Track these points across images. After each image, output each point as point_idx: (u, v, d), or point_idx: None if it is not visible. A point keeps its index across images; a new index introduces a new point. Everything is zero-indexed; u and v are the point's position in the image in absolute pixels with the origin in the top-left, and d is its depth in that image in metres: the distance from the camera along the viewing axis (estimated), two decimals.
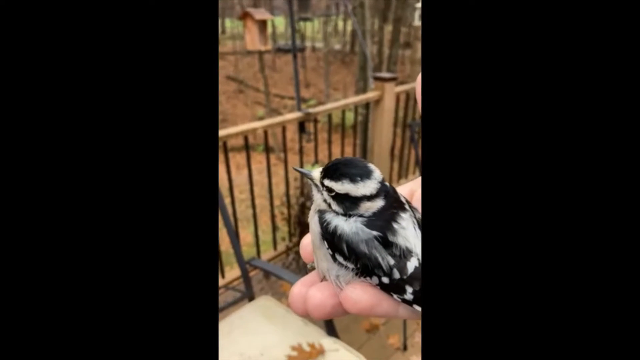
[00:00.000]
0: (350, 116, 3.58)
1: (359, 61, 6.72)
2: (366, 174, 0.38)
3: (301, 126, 2.51)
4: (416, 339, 2.41)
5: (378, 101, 2.99)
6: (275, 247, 2.89)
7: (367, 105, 3.12)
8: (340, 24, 9.74)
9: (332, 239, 0.37)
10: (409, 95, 3.37)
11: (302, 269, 2.80)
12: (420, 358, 2.27)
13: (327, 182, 0.38)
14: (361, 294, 0.36)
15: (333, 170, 0.39)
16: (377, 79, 2.99)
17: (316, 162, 2.82)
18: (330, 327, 1.73)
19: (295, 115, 2.44)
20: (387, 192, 0.38)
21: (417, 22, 4.20)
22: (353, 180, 0.37)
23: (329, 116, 2.81)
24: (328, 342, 1.62)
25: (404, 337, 2.35)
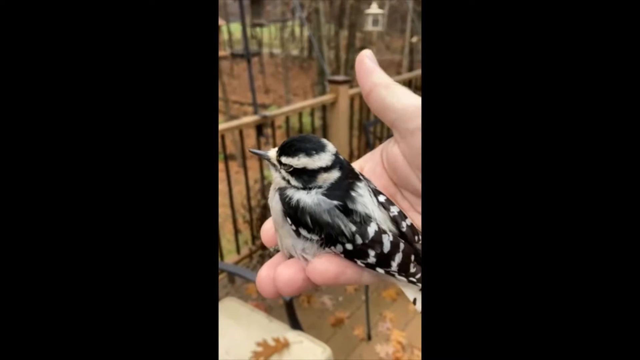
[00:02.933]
0: (307, 121, 3.66)
1: (317, 66, 6.84)
2: (320, 147, 0.40)
3: (259, 129, 2.55)
4: (379, 328, 2.51)
5: (333, 103, 3.09)
6: (238, 251, 2.89)
7: (324, 108, 3.21)
8: (297, 30, 9.85)
9: (295, 213, 0.38)
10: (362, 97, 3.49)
11: None
12: (383, 346, 2.36)
13: (284, 159, 0.40)
14: (327, 264, 0.38)
15: (289, 147, 0.40)
16: (331, 82, 3.09)
17: None
18: (294, 321, 1.78)
19: (253, 118, 2.48)
20: (341, 163, 0.41)
21: (369, 28, 4.37)
22: (308, 153, 0.39)
23: (287, 121, 2.86)
24: (292, 335, 1.67)
25: (368, 327, 2.44)
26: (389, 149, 0.44)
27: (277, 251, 0.43)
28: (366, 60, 0.42)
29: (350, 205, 0.38)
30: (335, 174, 0.39)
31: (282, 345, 1.62)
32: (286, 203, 0.39)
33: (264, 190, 2.73)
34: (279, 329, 1.72)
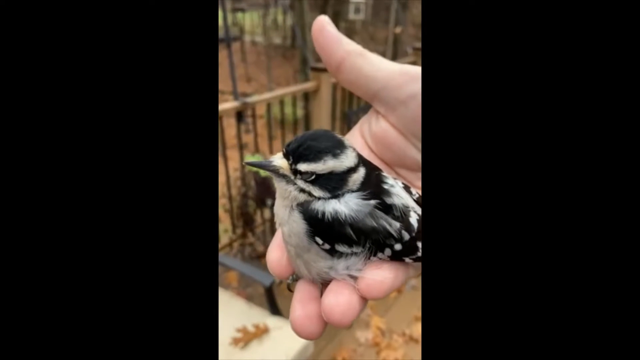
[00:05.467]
0: (290, 111, 3.64)
1: (300, 55, 6.77)
2: (341, 144, 0.33)
3: (239, 116, 2.50)
4: (360, 315, 2.54)
5: (316, 91, 3.07)
6: (218, 240, 2.86)
7: (306, 98, 3.17)
8: (280, 17, 9.71)
9: (331, 229, 0.32)
10: None
11: (248, 259, 2.80)
12: (363, 332, 2.39)
13: (304, 167, 0.33)
14: (384, 273, 0.33)
15: (306, 150, 0.33)
16: (314, 69, 3.06)
17: (257, 151, 2.83)
18: (274, 307, 1.78)
19: (232, 104, 2.43)
20: (361, 156, 0.35)
21: (351, 16, 4.35)
22: (334, 154, 0.33)
23: (269, 110, 2.82)
24: (272, 321, 1.67)
25: None
26: (373, 126, 0.39)
27: (296, 280, 0.37)
28: (328, 27, 0.36)
29: (388, 201, 0.33)
30: (362, 171, 0.34)
31: (262, 331, 1.62)
32: (316, 220, 0.33)
33: (244, 178, 2.70)
34: (259, 316, 1.71)
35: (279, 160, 0.34)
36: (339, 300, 0.32)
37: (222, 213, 2.86)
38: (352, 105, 3.46)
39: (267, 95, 2.75)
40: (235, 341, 1.58)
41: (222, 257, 2.25)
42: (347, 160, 0.33)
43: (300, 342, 1.58)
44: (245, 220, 2.74)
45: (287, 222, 0.35)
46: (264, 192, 2.52)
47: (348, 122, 3.32)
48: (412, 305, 2.61)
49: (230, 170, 2.69)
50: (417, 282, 2.80)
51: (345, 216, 0.32)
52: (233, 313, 1.72)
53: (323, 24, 0.37)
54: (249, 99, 2.49)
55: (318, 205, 0.33)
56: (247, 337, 1.59)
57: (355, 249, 0.33)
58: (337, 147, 0.33)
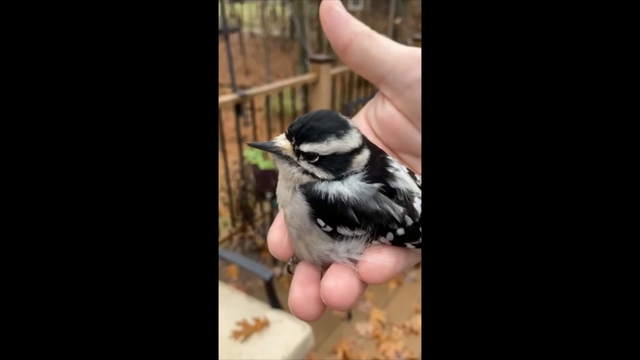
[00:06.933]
0: (289, 103, 3.60)
1: (299, 47, 6.70)
2: (345, 124, 0.33)
3: (237, 109, 2.48)
4: (360, 307, 2.54)
5: (315, 83, 3.04)
6: (218, 234, 2.85)
7: (306, 90, 3.14)
8: (279, 9, 9.60)
9: (334, 211, 0.32)
10: (344, 77, 3.46)
11: (248, 252, 2.80)
12: (363, 325, 2.40)
13: (306, 147, 0.32)
14: (385, 257, 0.32)
15: (309, 130, 0.32)
16: (313, 60, 3.03)
17: None
18: (274, 301, 1.77)
19: (231, 97, 2.40)
20: (365, 137, 0.35)
21: (350, 7, 4.29)
22: (338, 135, 0.32)
23: (268, 102, 2.80)
24: (272, 315, 1.67)
25: None
26: (379, 111, 0.38)
27: (297, 262, 0.36)
28: (337, 7, 0.35)
29: (392, 184, 0.33)
30: (366, 153, 0.33)
31: (262, 325, 1.62)
32: (318, 201, 0.32)
33: (243, 171, 2.68)
34: (259, 309, 1.71)
35: (281, 141, 0.34)
36: (338, 283, 0.32)
37: (221, 206, 2.85)
38: (352, 97, 3.43)
39: (265, 88, 2.72)
40: (236, 334, 1.58)
41: (222, 251, 2.24)
42: (351, 141, 0.32)
43: (300, 335, 1.58)
44: (244, 214, 2.73)
45: (290, 204, 0.34)
46: (263, 185, 2.50)
47: (347, 114, 3.29)
48: (412, 297, 2.62)
49: (229, 164, 2.67)
50: (417, 274, 2.80)
51: (349, 198, 0.32)
52: (233, 306, 1.72)
53: (331, 3, 0.35)
54: (248, 92, 2.46)
55: (321, 187, 0.33)
56: (248, 331, 1.59)
57: (357, 232, 0.32)
58: (341, 128, 0.32)
